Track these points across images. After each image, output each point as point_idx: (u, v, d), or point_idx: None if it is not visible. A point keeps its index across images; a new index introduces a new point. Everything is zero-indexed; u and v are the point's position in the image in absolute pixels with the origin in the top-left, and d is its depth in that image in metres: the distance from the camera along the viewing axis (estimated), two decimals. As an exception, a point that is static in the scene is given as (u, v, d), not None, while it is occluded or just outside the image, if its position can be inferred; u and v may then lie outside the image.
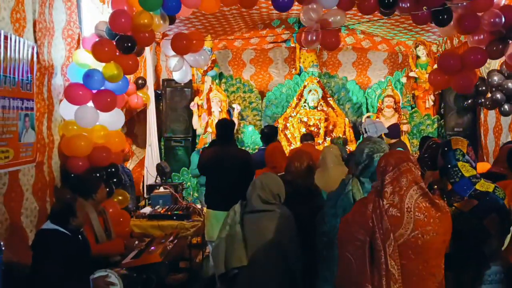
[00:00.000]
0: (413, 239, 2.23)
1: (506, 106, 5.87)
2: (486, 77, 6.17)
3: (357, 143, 7.73)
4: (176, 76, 5.42)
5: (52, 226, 3.30)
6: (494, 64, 6.05)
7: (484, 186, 2.66)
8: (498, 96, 5.87)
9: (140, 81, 6.84)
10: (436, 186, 2.88)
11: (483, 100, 6.48)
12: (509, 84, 5.75)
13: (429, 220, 2.24)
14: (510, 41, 4.67)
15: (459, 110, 7.36)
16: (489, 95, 6.20)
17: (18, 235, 3.81)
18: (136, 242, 4.19)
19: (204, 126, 7.57)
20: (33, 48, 4.01)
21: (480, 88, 6.41)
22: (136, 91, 6.69)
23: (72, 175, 4.48)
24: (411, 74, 8.02)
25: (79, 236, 3.42)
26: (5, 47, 3.55)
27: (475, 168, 2.77)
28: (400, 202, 2.27)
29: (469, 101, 6.89)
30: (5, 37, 3.56)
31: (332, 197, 2.96)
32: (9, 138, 3.62)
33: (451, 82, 4.84)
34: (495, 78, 5.94)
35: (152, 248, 4.07)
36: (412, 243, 2.23)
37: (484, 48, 4.76)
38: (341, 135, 7.90)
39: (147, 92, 6.96)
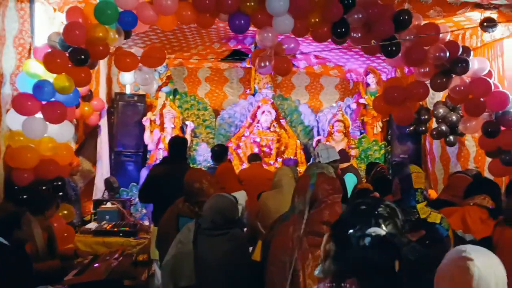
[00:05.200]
0: None
1: (451, 137, 6.17)
2: (431, 108, 6.47)
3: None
4: (141, 86, 5.38)
5: None
6: (438, 95, 6.36)
7: (432, 217, 2.81)
8: (443, 128, 6.17)
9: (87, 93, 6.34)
10: None
11: (423, 128, 6.83)
12: (453, 117, 6.06)
13: None
14: (454, 75, 4.96)
15: (404, 137, 7.64)
16: (433, 124, 6.50)
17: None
18: (77, 260, 4.09)
19: (155, 142, 7.51)
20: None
21: (423, 117, 6.69)
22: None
23: (16, 187, 4.34)
24: (361, 100, 8.30)
25: (20, 250, 3.31)
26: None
27: (428, 201, 2.92)
28: (319, 227, 2.37)
29: (411, 128, 7.13)
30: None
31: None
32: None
33: (393, 112, 5.06)
34: (441, 110, 6.24)
35: (96, 265, 3.98)
36: None
37: (429, 80, 5.02)
38: (292, 157, 8.03)
39: (90, 105, 6.54)
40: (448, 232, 2.77)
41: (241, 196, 4.69)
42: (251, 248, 4.44)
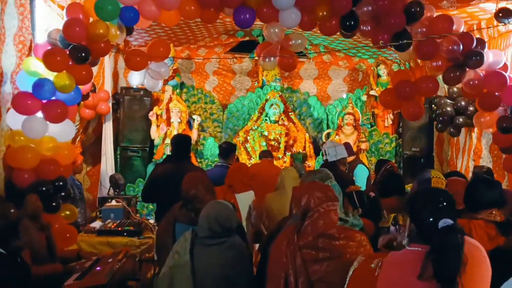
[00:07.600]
0: (328, 275, 2.24)
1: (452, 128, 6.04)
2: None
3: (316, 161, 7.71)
4: (148, 84, 5.29)
5: None
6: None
7: None
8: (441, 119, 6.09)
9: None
10: (401, 223, 2.83)
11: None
12: (447, 108, 5.95)
13: (345, 256, 2.25)
14: (467, 69, 4.77)
15: (417, 130, 7.45)
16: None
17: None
18: (79, 263, 4.01)
19: (162, 137, 7.40)
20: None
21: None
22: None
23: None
24: (372, 92, 8.10)
25: (17, 257, 3.23)
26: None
27: None
28: (315, 241, 2.27)
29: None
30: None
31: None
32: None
33: (402, 108, 4.91)
34: (441, 101, 6.13)
35: (98, 268, 3.89)
36: (327, 279, 2.24)
37: (442, 74, 4.84)
38: (301, 151, 7.89)
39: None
40: None
41: (248, 197, 4.59)
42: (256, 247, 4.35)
